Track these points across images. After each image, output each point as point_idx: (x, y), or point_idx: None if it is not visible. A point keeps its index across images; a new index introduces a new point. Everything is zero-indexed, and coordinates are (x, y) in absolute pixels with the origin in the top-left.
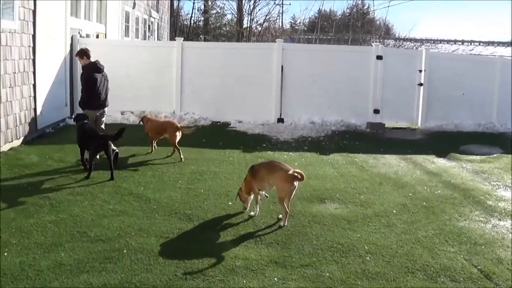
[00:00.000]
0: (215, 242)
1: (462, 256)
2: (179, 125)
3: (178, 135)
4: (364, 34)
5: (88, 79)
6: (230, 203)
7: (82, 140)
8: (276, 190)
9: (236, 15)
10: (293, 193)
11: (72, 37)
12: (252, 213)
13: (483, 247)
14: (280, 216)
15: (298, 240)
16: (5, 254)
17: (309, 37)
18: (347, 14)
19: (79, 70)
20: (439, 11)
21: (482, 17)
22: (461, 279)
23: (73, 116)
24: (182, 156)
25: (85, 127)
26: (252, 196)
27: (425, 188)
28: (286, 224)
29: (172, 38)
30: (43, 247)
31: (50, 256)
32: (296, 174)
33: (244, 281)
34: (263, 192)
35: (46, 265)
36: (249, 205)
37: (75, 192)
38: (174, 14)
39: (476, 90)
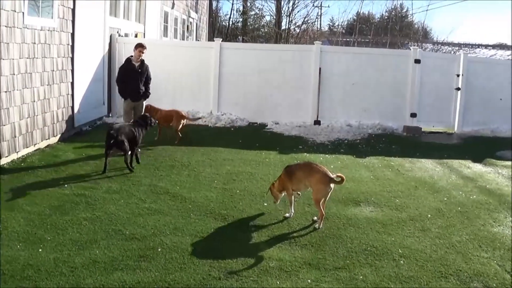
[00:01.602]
0: (249, 243)
1: (495, 262)
2: (184, 114)
3: (183, 122)
4: (402, 37)
5: None
6: (265, 204)
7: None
8: (312, 192)
9: (274, 17)
10: (328, 195)
11: (110, 36)
12: (287, 215)
13: None
14: (315, 218)
15: (333, 242)
16: (40, 250)
17: (347, 39)
18: (386, 17)
19: (117, 69)
20: (477, 15)
21: None
22: (494, 285)
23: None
24: (180, 136)
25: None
26: (283, 194)
27: (460, 193)
28: (321, 226)
29: (210, 38)
30: (77, 244)
31: (84, 253)
32: (334, 177)
33: (278, 282)
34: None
35: (81, 262)
36: (279, 200)
37: (111, 190)
38: (213, 14)
39: None
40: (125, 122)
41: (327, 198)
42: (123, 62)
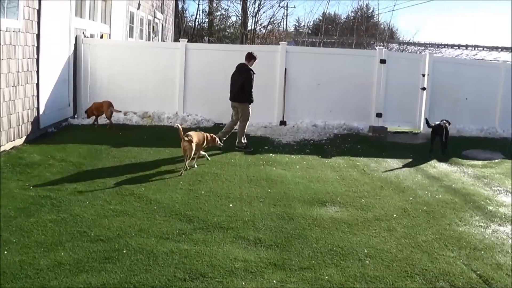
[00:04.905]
0: (215, 244)
1: (461, 261)
2: (111, 103)
3: (111, 110)
4: (368, 37)
5: None
6: (230, 205)
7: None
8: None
9: (240, 17)
10: (188, 151)
11: (76, 37)
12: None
13: (482, 252)
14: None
15: (298, 243)
16: (5, 252)
17: (313, 40)
18: (352, 18)
19: (83, 70)
20: (443, 15)
21: (486, 22)
22: (460, 284)
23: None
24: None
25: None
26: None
27: (426, 192)
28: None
29: (176, 39)
30: (43, 246)
31: (49, 255)
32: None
33: (243, 283)
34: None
35: (46, 264)
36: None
37: (76, 192)
38: (179, 15)
39: (479, 95)
40: (245, 122)
41: (188, 153)
42: (252, 72)
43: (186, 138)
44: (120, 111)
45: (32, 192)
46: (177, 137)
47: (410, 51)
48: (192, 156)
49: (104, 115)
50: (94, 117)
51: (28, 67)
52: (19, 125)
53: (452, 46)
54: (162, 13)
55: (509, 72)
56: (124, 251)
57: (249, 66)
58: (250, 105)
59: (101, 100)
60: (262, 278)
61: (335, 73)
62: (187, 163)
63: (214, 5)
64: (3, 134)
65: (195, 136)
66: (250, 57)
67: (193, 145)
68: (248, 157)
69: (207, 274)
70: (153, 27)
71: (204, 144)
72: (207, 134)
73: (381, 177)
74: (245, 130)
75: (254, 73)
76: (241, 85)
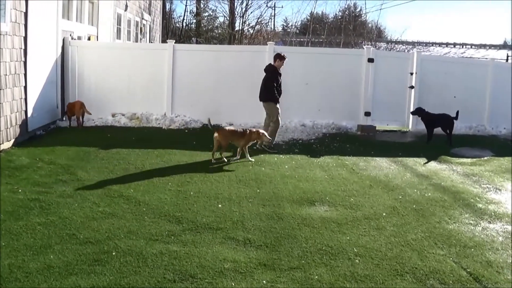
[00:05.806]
0: (204, 245)
1: (451, 259)
2: (83, 103)
3: (82, 109)
4: (356, 37)
5: None
6: (219, 205)
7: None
8: None
9: (228, 18)
10: (216, 142)
11: (63, 39)
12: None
13: (472, 250)
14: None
15: (287, 242)
16: None
17: (301, 39)
18: (339, 17)
19: (70, 72)
20: (431, 14)
21: (474, 20)
22: (450, 282)
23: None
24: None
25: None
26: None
27: (415, 191)
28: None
29: (164, 40)
30: (32, 249)
31: (39, 258)
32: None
33: (233, 284)
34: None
35: (35, 267)
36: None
37: (64, 194)
38: (166, 16)
39: (467, 93)
40: (276, 124)
41: (215, 143)
42: (276, 72)
43: (215, 129)
44: (90, 113)
45: (20, 195)
46: (165, 139)
47: (398, 49)
48: (215, 147)
49: (85, 115)
50: (74, 118)
51: (16, 70)
52: (7, 128)
53: (440, 44)
54: (149, 14)
55: (498, 69)
56: (113, 253)
57: (275, 67)
58: (277, 105)
59: (91, 102)
60: (251, 278)
61: (323, 72)
62: (222, 154)
63: (202, 5)
64: None
65: (224, 130)
66: (276, 57)
67: (219, 138)
68: None
69: (197, 275)
70: (141, 28)
71: (243, 140)
72: (251, 129)
73: (370, 176)
74: (277, 132)
75: (279, 73)
76: (264, 85)
